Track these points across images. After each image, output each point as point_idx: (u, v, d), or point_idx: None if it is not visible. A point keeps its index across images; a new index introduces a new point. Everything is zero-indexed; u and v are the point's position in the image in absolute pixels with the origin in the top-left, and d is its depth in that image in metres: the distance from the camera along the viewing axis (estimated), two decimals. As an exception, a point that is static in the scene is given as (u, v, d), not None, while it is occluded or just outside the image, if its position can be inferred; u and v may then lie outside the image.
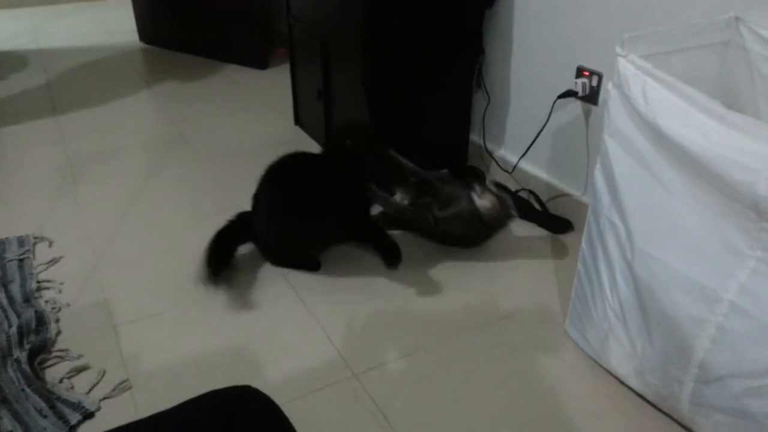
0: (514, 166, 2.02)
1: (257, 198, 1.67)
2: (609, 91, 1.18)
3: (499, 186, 1.59)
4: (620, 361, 1.29)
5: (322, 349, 1.42)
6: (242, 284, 1.62)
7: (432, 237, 1.72)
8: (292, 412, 0.72)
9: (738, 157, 0.94)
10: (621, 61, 1.13)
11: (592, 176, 1.27)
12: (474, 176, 2.11)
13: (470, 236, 1.66)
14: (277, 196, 1.64)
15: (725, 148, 0.96)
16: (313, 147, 2.34)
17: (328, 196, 1.62)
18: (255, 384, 0.74)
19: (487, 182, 1.60)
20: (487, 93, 2.10)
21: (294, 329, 1.48)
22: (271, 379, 1.33)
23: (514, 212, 1.58)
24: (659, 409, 1.25)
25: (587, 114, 1.77)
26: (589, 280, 1.33)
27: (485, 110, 2.12)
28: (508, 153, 2.10)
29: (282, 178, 1.65)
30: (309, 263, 1.69)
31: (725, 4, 1.32)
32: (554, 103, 1.78)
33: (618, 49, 1.13)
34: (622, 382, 1.32)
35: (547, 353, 1.41)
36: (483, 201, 1.56)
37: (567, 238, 1.83)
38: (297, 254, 1.70)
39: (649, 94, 1.08)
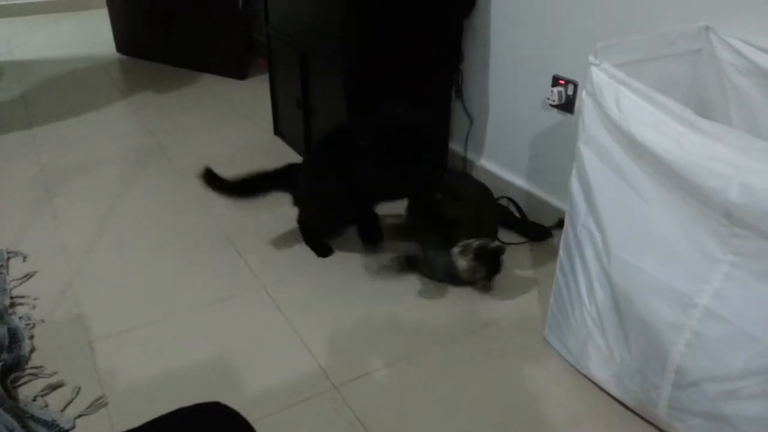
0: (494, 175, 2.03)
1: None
2: (583, 99, 1.19)
3: (483, 250, 1.59)
4: (599, 368, 1.29)
5: (301, 360, 1.41)
6: (221, 296, 1.61)
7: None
8: (269, 426, 0.71)
9: (710, 164, 0.95)
10: (594, 70, 1.14)
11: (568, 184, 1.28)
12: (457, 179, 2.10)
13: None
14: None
15: (698, 155, 0.97)
16: (293, 157, 2.34)
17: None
18: (232, 398, 0.73)
19: (477, 243, 1.61)
20: (464, 104, 2.11)
21: (273, 341, 1.47)
22: (249, 392, 1.32)
23: (488, 284, 1.64)
24: (638, 415, 1.26)
25: (564, 122, 1.78)
26: (567, 287, 1.33)
27: (468, 128, 2.13)
28: (487, 161, 2.11)
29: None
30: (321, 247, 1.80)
31: (696, 13, 1.34)
32: (532, 112, 1.79)
33: (591, 58, 1.14)
34: (601, 389, 1.32)
35: (528, 361, 1.42)
36: (462, 261, 1.59)
37: (546, 246, 1.84)
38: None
39: (623, 102, 1.09)
